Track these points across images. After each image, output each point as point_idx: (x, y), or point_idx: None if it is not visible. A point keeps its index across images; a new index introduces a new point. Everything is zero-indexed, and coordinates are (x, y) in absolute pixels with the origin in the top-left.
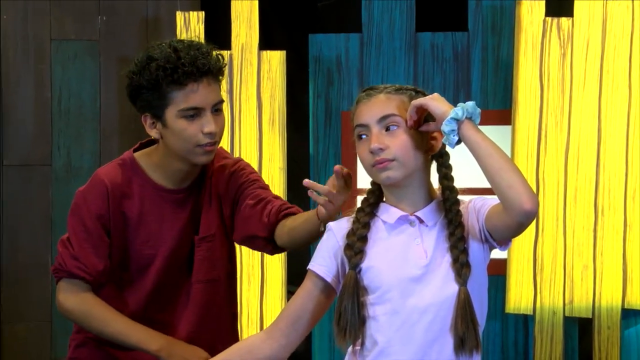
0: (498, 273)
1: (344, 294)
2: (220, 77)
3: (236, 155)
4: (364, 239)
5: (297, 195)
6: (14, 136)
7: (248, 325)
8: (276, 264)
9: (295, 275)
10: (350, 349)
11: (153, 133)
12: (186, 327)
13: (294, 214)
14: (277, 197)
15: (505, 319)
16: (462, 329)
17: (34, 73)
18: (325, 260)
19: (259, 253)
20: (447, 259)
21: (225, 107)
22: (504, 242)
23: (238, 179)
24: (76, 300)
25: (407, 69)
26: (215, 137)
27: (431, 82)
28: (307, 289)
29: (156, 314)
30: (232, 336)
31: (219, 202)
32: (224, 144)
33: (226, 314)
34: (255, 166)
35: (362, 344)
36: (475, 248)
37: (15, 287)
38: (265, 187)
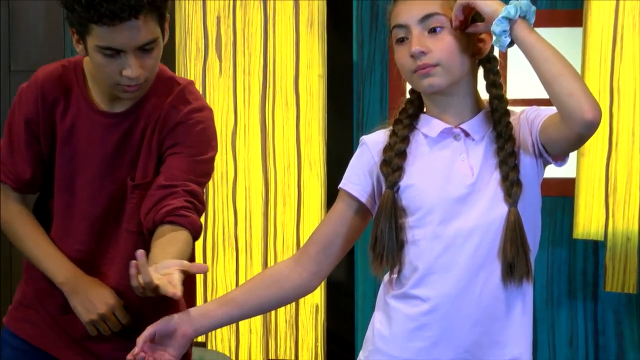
0: (565, 194)
1: (381, 216)
2: (161, 9)
3: (270, 61)
4: (402, 155)
5: (338, 107)
6: (23, 40)
7: (283, 252)
8: (314, 182)
9: (336, 195)
10: (386, 277)
11: (79, 50)
12: (115, 277)
13: (176, 223)
14: (187, 191)
15: (573, 246)
16: (511, 254)
17: None
18: (359, 179)
19: (295, 171)
20: (495, 176)
21: (258, 7)
22: (561, 157)
23: (176, 137)
24: (1, 208)
25: None
26: (139, 79)
27: None
28: (340, 211)
29: (86, 255)
30: (165, 301)
31: (160, 148)
32: (257, 50)
33: None
34: (291, 74)
35: (400, 271)
36: (527, 164)
37: None
38: (194, 162)
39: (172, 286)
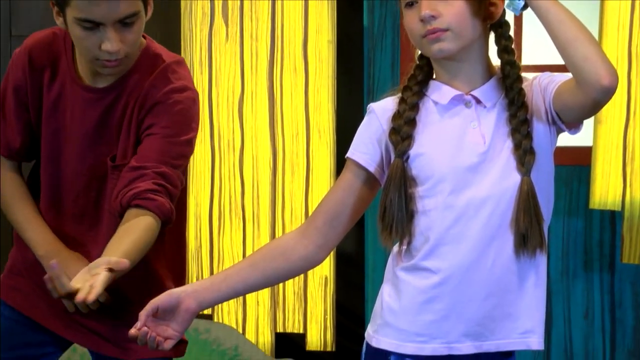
0: (581, 163)
1: (390, 185)
2: None
3: (278, 26)
4: (412, 123)
5: (348, 73)
6: (24, 5)
7: (291, 222)
8: (324, 151)
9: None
10: (395, 248)
11: (58, 23)
12: (98, 256)
13: (142, 207)
14: (158, 173)
15: (589, 216)
16: (524, 225)
17: None
18: (367, 148)
19: (304, 139)
20: (508, 145)
21: None
22: (575, 124)
23: (154, 117)
24: None
25: None
26: (119, 54)
27: None
28: (347, 181)
29: (71, 231)
30: (154, 274)
31: (139, 128)
32: (265, 15)
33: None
34: (300, 39)
35: (410, 243)
36: (540, 132)
37: None
38: (169, 144)
39: (87, 292)
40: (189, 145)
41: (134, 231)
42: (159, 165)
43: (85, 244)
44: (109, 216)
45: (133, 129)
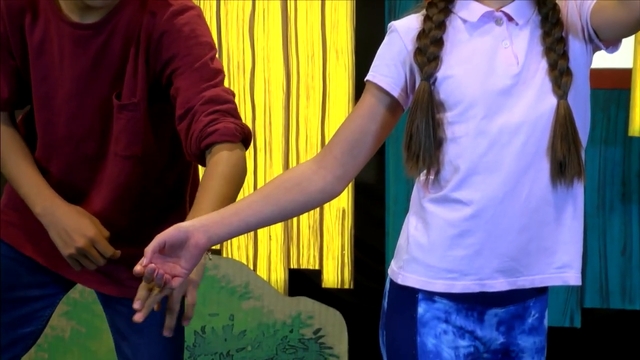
0: (620, 86)
1: (416, 111)
2: None
3: None
4: (439, 42)
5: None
6: None
7: (306, 151)
8: (341, 73)
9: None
10: (421, 178)
11: None
12: (99, 203)
13: (216, 142)
14: (204, 102)
15: (628, 144)
16: (562, 152)
17: None
18: (389, 70)
19: (320, 60)
20: (542, 65)
21: None
22: (613, 42)
23: (167, 50)
24: None
25: None
26: None
27: None
28: (369, 106)
29: (71, 178)
30: (160, 226)
31: (147, 63)
32: None
33: (152, 198)
34: None
35: (438, 172)
36: (577, 51)
37: None
38: (197, 71)
39: None
40: (215, 61)
41: (210, 189)
42: (201, 96)
43: (87, 190)
44: (113, 159)
45: (141, 67)
